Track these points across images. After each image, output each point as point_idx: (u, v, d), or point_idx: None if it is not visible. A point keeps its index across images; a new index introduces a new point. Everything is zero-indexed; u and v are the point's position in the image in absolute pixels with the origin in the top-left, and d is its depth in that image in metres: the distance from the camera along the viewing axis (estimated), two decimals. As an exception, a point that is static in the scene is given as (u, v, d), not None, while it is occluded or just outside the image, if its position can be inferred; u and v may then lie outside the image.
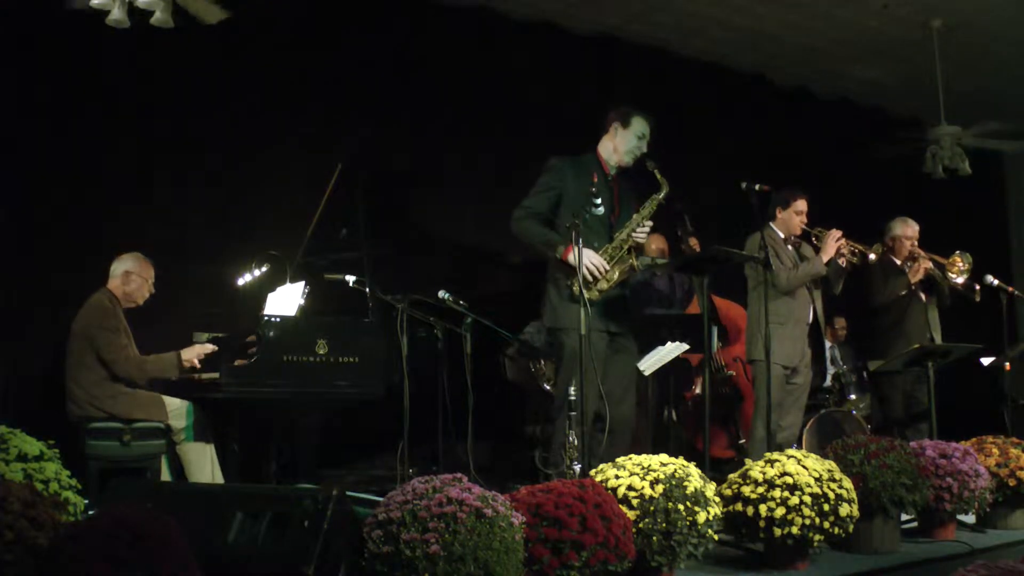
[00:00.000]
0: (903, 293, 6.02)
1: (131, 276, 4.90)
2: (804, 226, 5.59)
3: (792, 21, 7.39)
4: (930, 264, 6.00)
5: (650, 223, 4.65)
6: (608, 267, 4.50)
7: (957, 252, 6.07)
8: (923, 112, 8.28)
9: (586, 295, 4.43)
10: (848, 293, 5.77)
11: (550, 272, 4.64)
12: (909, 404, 5.97)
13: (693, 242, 6.17)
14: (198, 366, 4.82)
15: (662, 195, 4.64)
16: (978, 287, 6.11)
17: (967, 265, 6.02)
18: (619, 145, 4.71)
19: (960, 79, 7.85)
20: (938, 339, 6.05)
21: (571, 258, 4.27)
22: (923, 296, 6.08)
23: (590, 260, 4.45)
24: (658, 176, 4.63)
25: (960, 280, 6.01)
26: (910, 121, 8.70)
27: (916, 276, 6.01)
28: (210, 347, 4.84)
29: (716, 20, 7.34)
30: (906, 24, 7.41)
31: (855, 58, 8.08)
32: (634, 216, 4.64)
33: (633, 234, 4.59)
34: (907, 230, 6.18)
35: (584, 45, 7.42)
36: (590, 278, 4.44)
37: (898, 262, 6.14)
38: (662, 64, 7.73)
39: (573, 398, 3.99)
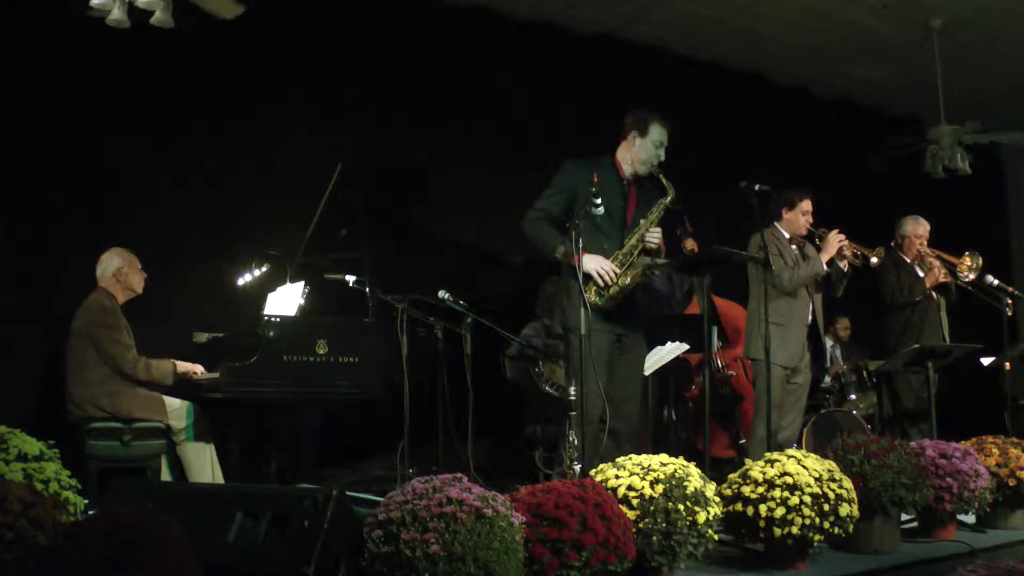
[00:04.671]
0: (918, 299, 6.04)
1: (122, 271, 4.92)
2: (809, 226, 5.59)
3: (792, 21, 7.39)
4: (945, 271, 6.02)
5: (659, 229, 4.64)
6: (619, 271, 4.49)
7: (967, 252, 6.08)
8: (923, 112, 8.28)
9: (599, 302, 4.43)
10: (851, 294, 5.77)
11: (564, 278, 4.62)
12: (918, 401, 5.99)
13: (691, 243, 6.17)
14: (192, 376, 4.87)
15: (668, 200, 4.61)
16: (1010, 301, 6.15)
17: (976, 264, 6.04)
18: (637, 155, 4.64)
19: (960, 79, 7.85)
20: (947, 338, 6.07)
21: (578, 268, 4.22)
22: (934, 295, 6.10)
23: (600, 265, 4.44)
24: (664, 181, 4.60)
25: (970, 278, 6.03)
26: (910, 121, 8.70)
27: (931, 280, 6.03)
28: (200, 368, 4.89)
29: (716, 20, 7.34)
30: (906, 24, 7.40)
31: (855, 58, 8.08)
32: (641, 222, 4.61)
33: (644, 240, 4.58)
34: (918, 228, 6.19)
35: (584, 45, 7.42)
36: (600, 283, 4.43)
37: (908, 260, 6.15)
38: (662, 64, 7.73)
39: (573, 398, 4.00)
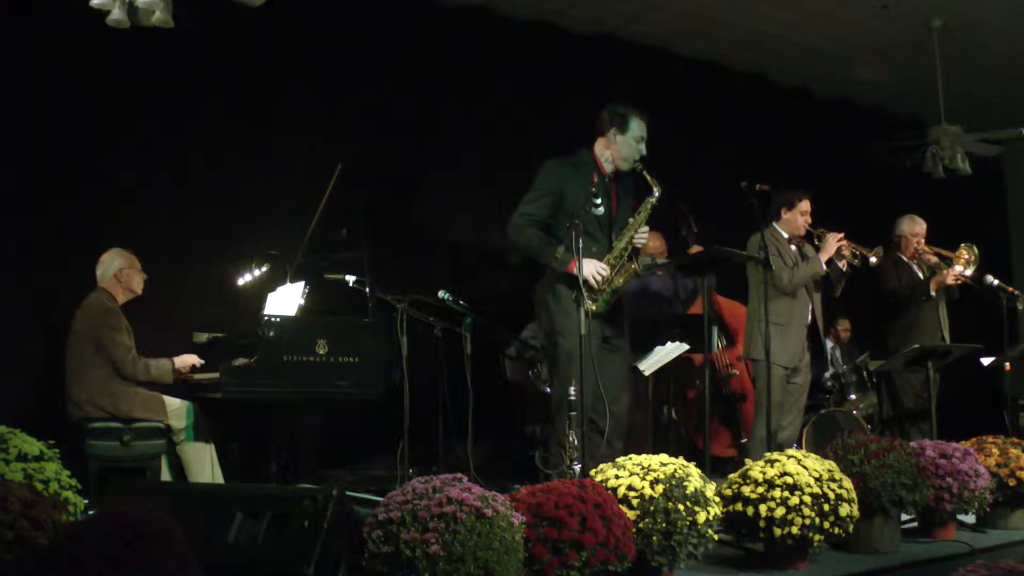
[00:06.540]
0: (924, 299, 6.04)
1: (123, 271, 4.92)
2: (808, 226, 5.59)
3: (792, 21, 7.39)
4: (955, 273, 6.00)
5: (647, 227, 4.62)
6: (607, 275, 4.47)
7: (963, 244, 6.08)
8: (923, 112, 8.28)
9: (593, 308, 4.40)
10: (851, 294, 5.77)
11: (548, 280, 4.58)
12: (918, 401, 5.99)
13: (696, 247, 6.15)
14: (191, 376, 4.87)
15: (655, 198, 4.56)
16: (1022, 307, 6.14)
17: (973, 257, 6.02)
18: (618, 151, 4.60)
19: (960, 79, 7.85)
20: (947, 336, 6.07)
21: (576, 270, 4.19)
22: (934, 293, 6.11)
23: (597, 270, 4.41)
24: (648, 178, 4.56)
25: (968, 272, 6.02)
26: (910, 121, 8.70)
27: (939, 282, 6.02)
28: (196, 359, 4.90)
29: (716, 20, 7.34)
30: (906, 24, 7.41)
31: (855, 58, 8.07)
32: (631, 222, 4.58)
33: (633, 240, 4.56)
34: (914, 227, 6.20)
35: (584, 45, 7.42)
36: (595, 286, 4.41)
37: (906, 259, 6.16)
38: (662, 64, 7.73)
39: (573, 398, 3.99)
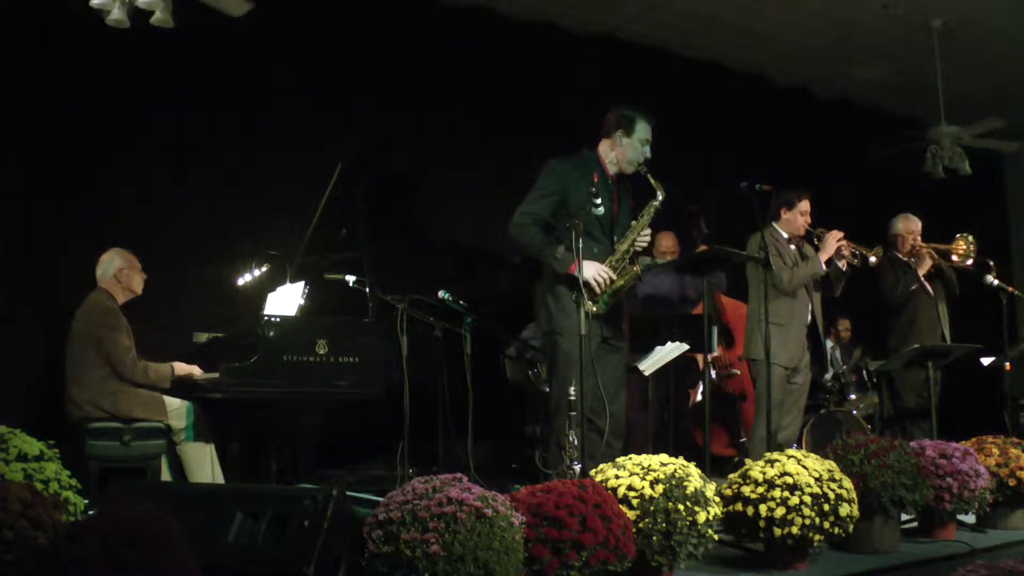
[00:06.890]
0: (914, 287, 6.04)
1: (123, 272, 4.92)
2: (808, 226, 5.59)
3: (792, 21, 7.39)
4: (934, 254, 6.01)
5: (649, 230, 4.62)
6: (614, 277, 4.47)
7: (959, 235, 6.08)
8: (923, 112, 8.28)
9: (593, 309, 4.40)
10: (852, 294, 5.77)
11: (548, 280, 4.57)
12: (919, 400, 5.99)
13: (703, 248, 6.16)
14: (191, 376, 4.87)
15: (659, 201, 4.55)
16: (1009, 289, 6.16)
17: (970, 247, 6.02)
18: (623, 154, 4.59)
19: (960, 79, 7.85)
20: (947, 334, 6.08)
21: (577, 272, 4.18)
22: (931, 291, 6.11)
23: (598, 272, 4.41)
24: (652, 181, 4.55)
25: (968, 263, 6.03)
26: (910, 121, 8.71)
27: (923, 268, 6.04)
28: (197, 370, 4.88)
29: (716, 20, 7.34)
30: (906, 24, 7.41)
31: (855, 58, 8.08)
32: (633, 225, 4.57)
33: (635, 243, 4.56)
34: (909, 225, 6.22)
35: (584, 45, 7.43)
36: (596, 289, 4.41)
37: (903, 258, 6.17)
38: (662, 64, 7.73)
39: (573, 398, 3.99)
